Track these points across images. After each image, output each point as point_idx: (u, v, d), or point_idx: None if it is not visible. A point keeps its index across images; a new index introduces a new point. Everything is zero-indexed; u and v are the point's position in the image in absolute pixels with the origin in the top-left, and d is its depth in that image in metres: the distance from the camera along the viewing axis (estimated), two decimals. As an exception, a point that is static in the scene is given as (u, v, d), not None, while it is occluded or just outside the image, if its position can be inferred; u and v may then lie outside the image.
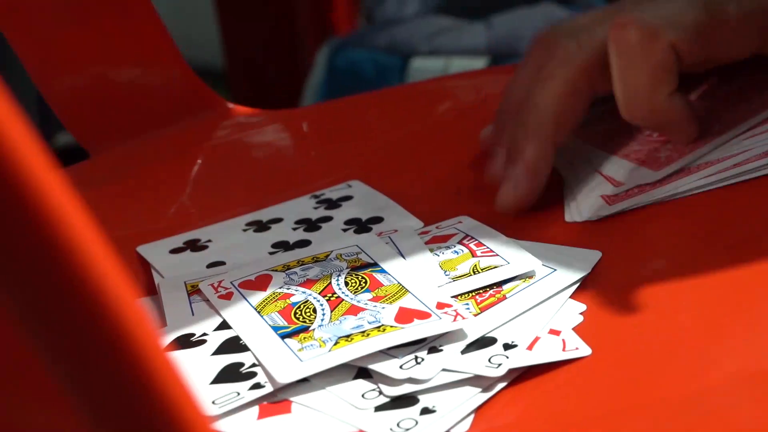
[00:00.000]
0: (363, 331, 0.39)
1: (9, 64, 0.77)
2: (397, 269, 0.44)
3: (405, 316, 0.40)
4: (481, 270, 0.43)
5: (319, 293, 0.43)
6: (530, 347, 0.39)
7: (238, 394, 0.38)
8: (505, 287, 0.42)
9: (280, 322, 0.41)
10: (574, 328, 0.40)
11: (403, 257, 0.45)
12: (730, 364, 0.37)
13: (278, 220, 0.51)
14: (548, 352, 0.38)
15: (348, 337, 0.39)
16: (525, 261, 0.43)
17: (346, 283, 0.43)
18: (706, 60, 0.48)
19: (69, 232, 0.21)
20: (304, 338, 0.40)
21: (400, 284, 0.42)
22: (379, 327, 0.40)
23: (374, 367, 0.38)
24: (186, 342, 0.41)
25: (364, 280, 0.43)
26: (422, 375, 0.37)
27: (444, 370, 0.38)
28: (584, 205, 0.48)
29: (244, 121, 0.65)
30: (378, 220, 0.50)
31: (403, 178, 0.55)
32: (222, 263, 0.48)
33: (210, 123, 0.64)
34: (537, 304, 0.41)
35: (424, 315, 0.40)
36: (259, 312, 0.42)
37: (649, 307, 0.41)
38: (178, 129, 0.63)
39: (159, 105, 0.64)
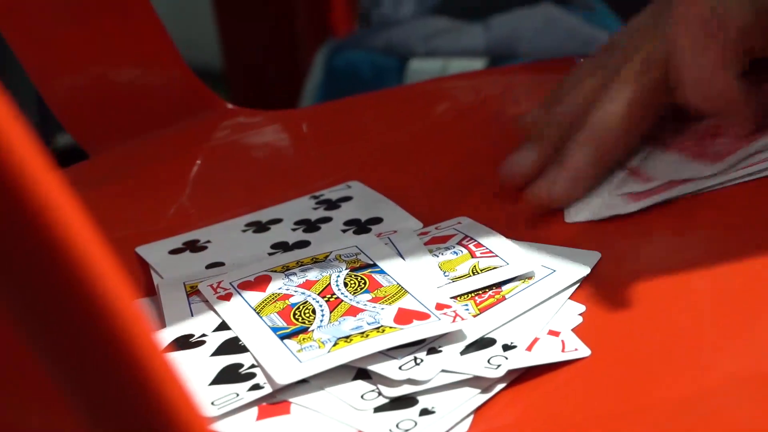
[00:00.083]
0: (362, 332, 0.39)
1: (8, 64, 0.77)
2: (396, 270, 0.44)
3: (404, 316, 0.40)
4: (481, 271, 0.43)
5: (319, 294, 0.43)
6: (529, 348, 0.39)
7: (237, 395, 0.38)
8: (505, 288, 0.42)
9: (279, 323, 0.41)
10: (573, 329, 0.40)
11: (403, 258, 0.45)
12: (730, 365, 0.37)
13: (277, 221, 0.51)
14: (547, 353, 0.38)
15: (347, 338, 0.39)
16: (524, 262, 0.43)
17: (346, 284, 0.43)
18: (764, 46, 0.48)
19: (67, 233, 0.21)
20: (304, 339, 0.40)
21: (400, 285, 0.42)
22: (378, 328, 0.40)
23: (373, 368, 0.38)
24: (185, 343, 0.41)
25: (363, 281, 0.43)
26: (421, 376, 0.37)
27: (443, 371, 0.38)
28: (596, 202, 0.48)
29: (244, 121, 0.65)
30: (377, 220, 0.50)
31: (403, 178, 0.55)
32: (221, 264, 0.48)
33: (209, 124, 0.64)
34: (536, 305, 0.41)
35: (423, 316, 0.40)
36: (258, 313, 0.42)
37: (648, 308, 0.41)
38: (177, 130, 0.63)
39: (158, 106, 0.64)
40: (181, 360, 0.40)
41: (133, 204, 0.58)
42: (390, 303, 0.41)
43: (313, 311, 0.41)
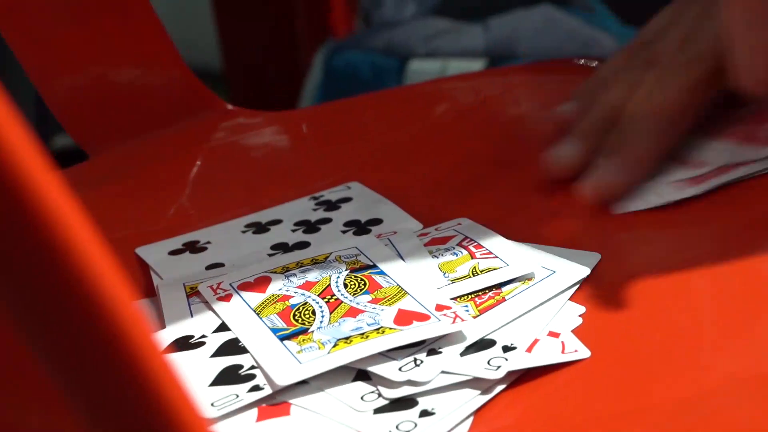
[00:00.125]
0: (362, 333, 0.39)
1: (7, 65, 0.77)
2: (396, 271, 0.44)
3: (404, 318, 0.40)
4: (481, 272, 0.43)
5: (318, 295, 0.42)
6: (529, 349, 0.39)
7: (237, 396, 0.38)
8: (505, 289, 0.42)
9: (279, 324, 0.41)
10: (573, 330, 0.40)
11: (402, 259, 0.45)
12: (730, 365, 0.37)
13: (277, 222, 0.51)
14: (547, 354, 0.38)
15: (347, 339, 0.39)
16: (524, 263, 0.43)
17: (345, 285, 0.43)
18: None
19: (67, 233, 0.21)
20: (303, 340, 0.39)
21: (399, 286, 0.42)
22: (378, 329, 0.39)
23: (373, 369, 0.38)
24: (185, 344, 0.41)
25: (363, 282, 0.43)
26: (421, 377, 0.37)
27: (443, 372, 0.38)
28: (646, 192, 0.48)
29: (243, 122, 0.65)
30: (377, 221, 0.50)
31: (403, 179, 0.55)
32: (221, 265, 0.48)
33: (209, 124, 0.64)
34: (536, 306, 0.41)
35: (423, 317, 0.40)
36: (258, 314, 0.42)
37: (648, 309, 0.41)
38: (177, 130, 0.63)
39: (158, 106, 0.64)
40: (180, 361, 0.40)
41: (133, 204, 0.58)
42: (390, 304, 0.41)
43: (313, 312, 0.41)
